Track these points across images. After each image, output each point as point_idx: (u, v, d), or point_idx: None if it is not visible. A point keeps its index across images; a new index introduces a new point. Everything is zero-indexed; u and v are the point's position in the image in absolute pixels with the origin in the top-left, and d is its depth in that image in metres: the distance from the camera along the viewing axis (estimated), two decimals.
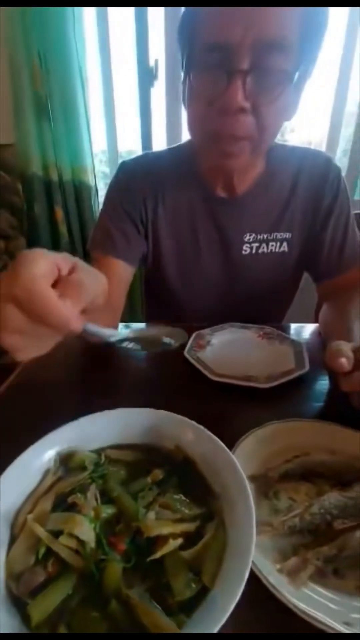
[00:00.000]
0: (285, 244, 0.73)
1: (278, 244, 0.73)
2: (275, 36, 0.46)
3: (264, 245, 0.72)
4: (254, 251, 0.73)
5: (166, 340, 0.43)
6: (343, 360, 0.41)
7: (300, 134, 1.73)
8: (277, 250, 0.73)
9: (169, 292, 0.79)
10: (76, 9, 1.25)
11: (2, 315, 0.27)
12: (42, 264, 0.27)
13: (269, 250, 0.73)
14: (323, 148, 1.57)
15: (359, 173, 1.57)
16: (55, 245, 1.57)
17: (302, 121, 1.60)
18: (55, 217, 1.50)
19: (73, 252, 1.58)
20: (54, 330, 0.29)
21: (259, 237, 0.72)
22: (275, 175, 0.70)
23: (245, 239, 0.72)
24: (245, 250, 0.72)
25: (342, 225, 0.72)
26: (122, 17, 1.36)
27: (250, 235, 0.72)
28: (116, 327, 0.69)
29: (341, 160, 1.64)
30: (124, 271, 0.71)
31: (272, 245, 0.72)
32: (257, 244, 0.72)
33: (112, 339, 0.37)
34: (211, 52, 0.48)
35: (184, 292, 0.78)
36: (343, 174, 0.72)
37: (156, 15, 1.34)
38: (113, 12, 1.37)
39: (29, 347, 0.30)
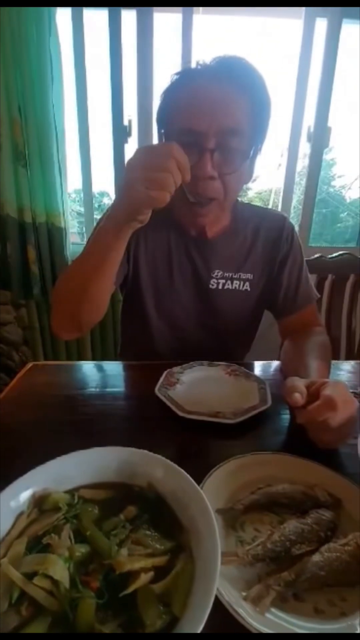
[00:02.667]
0: (247, 283, 0.82)
1: (242, 282, 0.82)
2: (232, 124, 0.60)
3: (229, 282, 0.81)
4: (220, 286, 0.81)
5: None
6: (297, 395, 0.46)
7: (262, 183, 1.99)
8: (240, 288, 0.82)
9: (145, 319, 0.85)
10: (55, 72, 1.38)
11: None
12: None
13: (233, 287, 0.81)
14: (280, 194, 1.77)
15: (310, 220, 1.76)
16: (26, 284, 1.58)
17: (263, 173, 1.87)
18: (27, 256, 1.53)
19: (44, 292, 1.60)
20: (174, 165, 0.49)
21: (225, 274, 0.81)
22: (240, 228, 0.81)
23: (213, 275, 0.80)
24: (213, 285, 0.81)
25: (296, 271, 0.83)
26: (99, 82, 1.51)
27: (218, 272, 0.80)
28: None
29: (297, 208, 1.84)
30: None
31: (237, 284, 0.81)
32: (223, 280, 0.81)
33: None
34: (186, 134, 0.61)
35: (158, 319, 0.84)
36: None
37: (130, 80, 1.51)
38: (91, 76, 1.52)
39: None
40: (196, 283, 0.81)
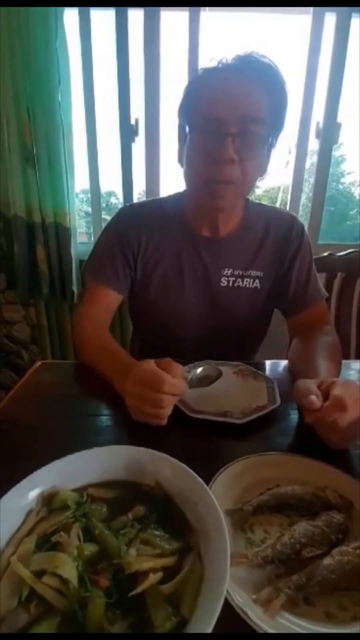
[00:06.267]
0: (257, 281, 0.82)
1: (251, 280, 0.82)
2: (253, 112, 0.64)
3: (239, 280, 0.81)
4: (230, 284, 0.81)
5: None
6: (313, 397, 0.45)
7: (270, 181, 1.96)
8: (250, 285, 0.82)
9: (155, 319, 0.85)
10: (62, 72, 1.38)
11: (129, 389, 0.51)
12: (150, 362, 0.51)
13: (243, 285, 0.82)
14: (289, 192, 1.75)
15: (319, 218, 1.74)
16: (34, 283, 1.59)
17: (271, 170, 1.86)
18: (36, 256, 1.54)
19: (53, 291, 1.62)
20: (168, 395, 0.49)
21: (235, 272, 0.81)
22: (250, 226, 0.81)
23: (224, 273, 0.81)
24: (223, 283, 0.81)
25: (305, 269, 0.82)
26: (106, 82, 1.51)
27: (228, 270, 0.81)
28: None
29: (305, 205, 1.81)
30: (111, 299, 0.81)
31: (247, 281, 0.82)
32: (233, 278, 0.81)
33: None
34: (209, 121, 0.64)
35: (169, 320, 0.84)
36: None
37: (137, 80, 1.51)
38: (98, 76, 1.52)
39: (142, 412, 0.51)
40: (206, 282, 0.81)
